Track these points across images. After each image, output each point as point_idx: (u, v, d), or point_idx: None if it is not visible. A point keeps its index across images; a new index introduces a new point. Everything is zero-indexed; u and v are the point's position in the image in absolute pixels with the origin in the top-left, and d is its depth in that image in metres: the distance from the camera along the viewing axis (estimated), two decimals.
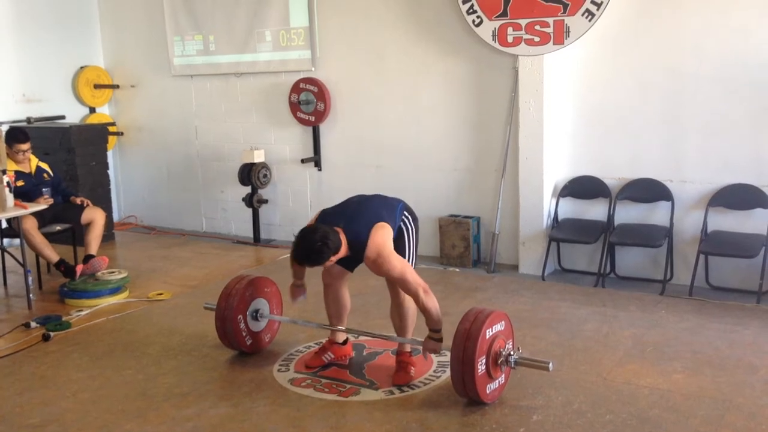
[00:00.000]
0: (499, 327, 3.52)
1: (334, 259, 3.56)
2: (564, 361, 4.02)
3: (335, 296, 4.00)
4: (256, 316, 4.19)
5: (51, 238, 5.62)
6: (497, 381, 3.55)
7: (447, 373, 3.86)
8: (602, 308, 4.89)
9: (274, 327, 4.36)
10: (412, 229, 3.84)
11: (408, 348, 3.92)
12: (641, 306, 4.92)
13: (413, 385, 3.76)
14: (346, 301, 4.03)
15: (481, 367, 3.39)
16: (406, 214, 3.85)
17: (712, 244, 5.17)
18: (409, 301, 3.74)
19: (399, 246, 3.74)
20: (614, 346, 4.24)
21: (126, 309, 5.17)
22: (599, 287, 5.43)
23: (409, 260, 3.76)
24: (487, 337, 3.42)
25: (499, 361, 3.50)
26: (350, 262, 3.84)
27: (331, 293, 4.00)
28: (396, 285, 3.69)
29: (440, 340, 3.63)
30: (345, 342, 4.15)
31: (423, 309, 3.59)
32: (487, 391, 3.49)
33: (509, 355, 3.53)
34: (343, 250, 3.57)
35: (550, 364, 3.47)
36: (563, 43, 5.44)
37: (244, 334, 4.14)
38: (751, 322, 4.57)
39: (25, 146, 5.66)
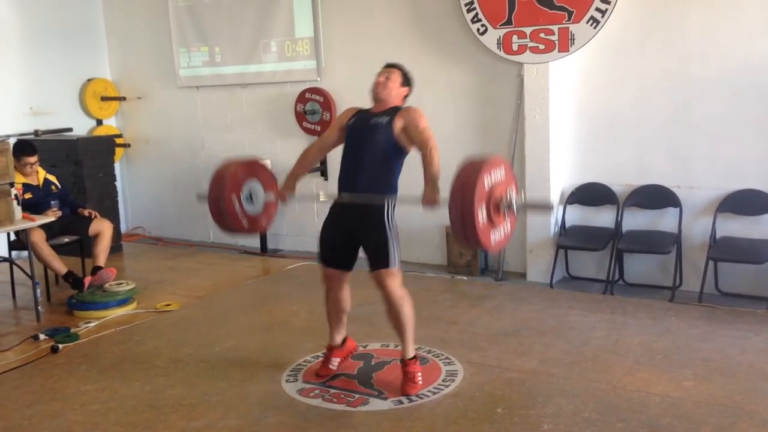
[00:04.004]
0: (498, 174, 3.36)
1: (396, 84, 3.86)
2: (573, 369, 4.00)
3: (335, 299, 3.99)
4: (250, 198, 4.06)
5: (59, 250, 5.64)
6: (502, 229, 3.39)
7: (455, 382, 3.86)
8: (611, 316, 4.87)
9: (270, 211, 4.21)
10: (394, 229, 3.80)
11: (411, 354, 3.87)
12: (650, 313, 4.89)
13: (422, 394, 3.75)
14: (345, 303, 4.01)
15: (481, 218, 3.23)
16: (392, 210, 3.82)
17: (721, 250, 5.15)
18: (399, 299, 3.71)
19: (381, 246, 3.71)
20: (624, 353, 4.21)
21: (134, 320, 5.18)
22: (608, 294, 5.41)
23: (398, 263, 3.74)
24: (486, 184, 3.26)
25: (502, 209, 3.33)
26: (346, 248, 3.85)
27: (332, 296, 3.98)
28: (383, 285, 3.68)
29: (439, 190, 3.55)
30: (344, 342, 4.14)
31: (430, 156, 3.63)
32: (492, 241, 3.34)
33: (511, 201, 3.35)
34: (397, 98, 3.88)
35: (553, 205, 3.31)
36: (568, 51, 5.44)
37: (239, 214, 3.99)
38: (762, 328, 4.54)
39: (33, 159, 5.68)
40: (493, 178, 3.31)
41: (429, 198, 3.57)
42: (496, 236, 3.37)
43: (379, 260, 3.72)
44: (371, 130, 3.77)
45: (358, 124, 3.87)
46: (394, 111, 3.80)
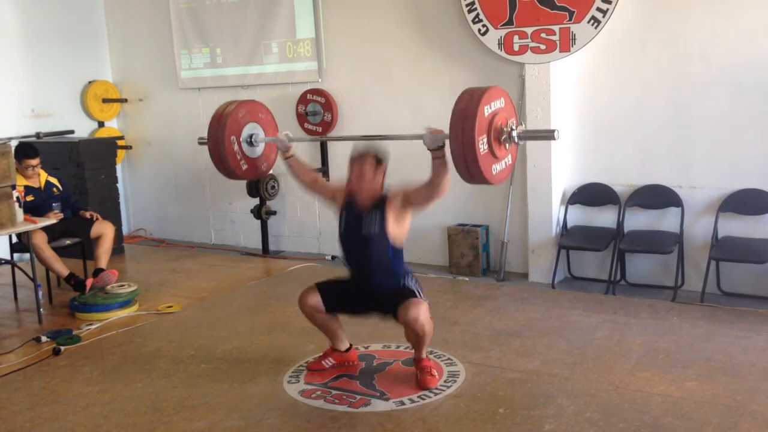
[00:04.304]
0: (498, 104, 3.31)
1: (373, 172, 3.71)
2: (575, 369, 3.99)
3: (318, 322, 4.01)
4: (250, 141, 4.03)
5: (61, 252, 5.65)
6: (503, 161, 3.36)
7: (457, 383, 3.86)
8: (613, 316, 4.87)
9: (270, 157, 4.18)
10: (421, 291, 3.85)
11: (424, 354, 3.90)
12: (653, 313, 4.89)
13: (424, 395, 3.74)
14: (333, 323, 4.04)
15: (482, 147, 3.19)
16: (415, 279, 3.89)
17: (723, 249, 5.14)
18: (420, 319, 3.69)
19: (407, 293, 3.77)
20: (626, 353, 4.21)
21: (136, 322, 5.18)
22: (610, 294, 5.40)
23: (425, 299, 3.79)
24: (486, 114, 3.21)
25: (502, 139, 3.28)
26: (358, 305, 3.91)
27: (314, 320, 4.01)
28: (410, 313, 3.67)
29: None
30: (348, 350, 4.14)
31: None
32: (494, 172, 3.31)
33: (512, 130, 3.30)
34: (378, 184, 3.74)
35: (556, 132, 3.33)
36: (569, 51, 5.43)
37: (238, 156, 3.96)
38: (764, 327, 4.53)
39: (35, 161, 5.69)
40: (493, 108, 3.25)
41: (432, 130, 3.55)
42: (498, 168, 3.32)
43: (406, 296, 3.74)
44: (367, 241, 3.75)
45: (350, 229, 3.82)
46: (382, 204, 3.76)
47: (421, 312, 3.68)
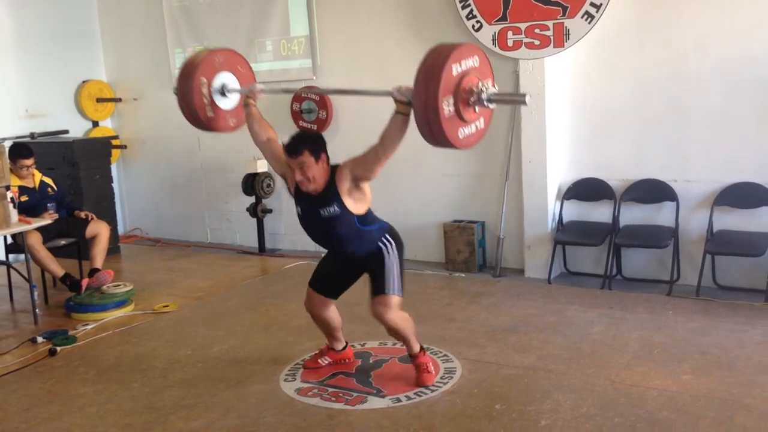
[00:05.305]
0: (471, 62, 3.05)
1: (315, 165, 3.50)
2: (572, 364, 4.00)
3: (323, 321, 4.01)
4: (222, 91, 3.87)
5: (56, 252, 5.64)
6: (473, 125, 3.13)
7: (453, 379, 3.86)
8: (609, 310, 4.87)
9: (241, 114, 4.00)
10: (394, 255, 3.72)
11: (417, 349, 3.89)
12: (648, 307, 4.89)
13: (420, 392, 3.74)
14: (334, 321, 4.02)
15: (447, 108, 2.95)
16: (389, 237, 3.76)
17: (719, 243, 5.15)
18: (394, 325, 3.71)
19: (378, 272, 3.70)
20: (622, 348, 4.21)
21: (132, 322, 5.17)
22: (606, 289, 5.41)
23: (396, 289, 3.69)
24: (454, 73, 2.96)
25: (472, 101, 3.03)
26: (343, 279, 3.89)
27: (318, 320, 4.00)
28: (376, 314, 3.69)
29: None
30: (344, 348, 4.15)
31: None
32: (460, 136, 3.08)
33: (482, 93, 3.04)
34: (324, 172, 3.55)
35: (527, 96, 3.13)
36: (563, 46, 5.43)
37: (205, 101, 3.77)
38: (760, 321, 4.54)
39: (29, 162, 5.67)
40: (463, 67, 3.04)
41: (398, 88, 3.29)
42: (466, 132, 3.13)
43: (376, 287, 3.72)
44: (329, 222, 3.59)
45: (308, 214, 3.65)
46: (333, 188, 3.56)
47: (387, 311, 3.66)
